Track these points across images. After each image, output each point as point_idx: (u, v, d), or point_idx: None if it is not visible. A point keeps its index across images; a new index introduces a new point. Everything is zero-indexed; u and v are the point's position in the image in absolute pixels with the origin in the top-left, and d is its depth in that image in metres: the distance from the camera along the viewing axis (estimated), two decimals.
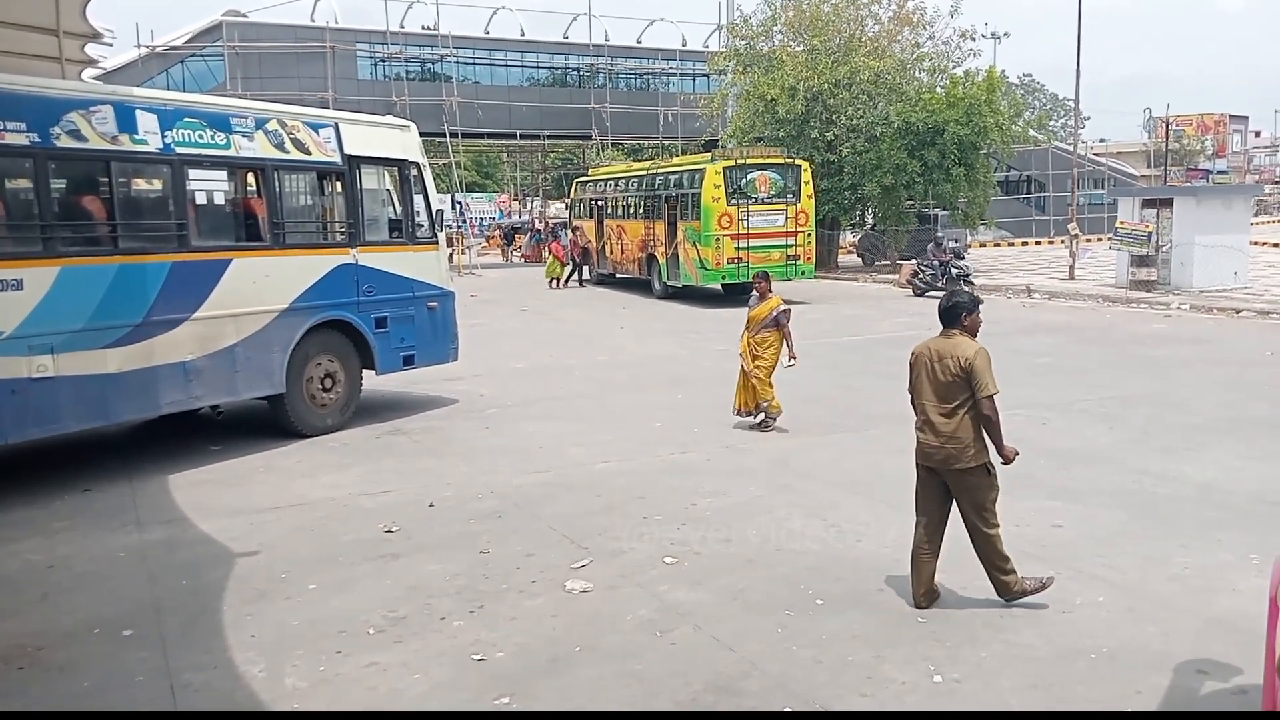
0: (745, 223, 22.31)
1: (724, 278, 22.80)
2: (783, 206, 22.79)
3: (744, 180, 22.57)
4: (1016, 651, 4.95)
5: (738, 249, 22.28)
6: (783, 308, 10.04)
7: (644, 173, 26.82)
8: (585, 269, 29.56)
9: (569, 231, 32.09)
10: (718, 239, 22.19)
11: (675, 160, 27.46)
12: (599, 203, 29.26)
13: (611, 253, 28.08)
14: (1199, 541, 6.52)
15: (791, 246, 22.82)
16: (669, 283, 24.39)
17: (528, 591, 5.86)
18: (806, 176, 23.44)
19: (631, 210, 27.01)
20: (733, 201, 22.31)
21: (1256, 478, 7.92)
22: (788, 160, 23.76)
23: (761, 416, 10.01)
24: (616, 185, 28.46)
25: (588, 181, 31.23)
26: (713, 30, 43.20)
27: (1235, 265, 22.23)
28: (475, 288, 26.52)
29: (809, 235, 23.43)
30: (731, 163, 22.74)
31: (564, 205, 43.67)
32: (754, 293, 10.39)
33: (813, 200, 23.86)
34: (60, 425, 8.11)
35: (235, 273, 9.21)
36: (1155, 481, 7.93)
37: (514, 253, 43.02)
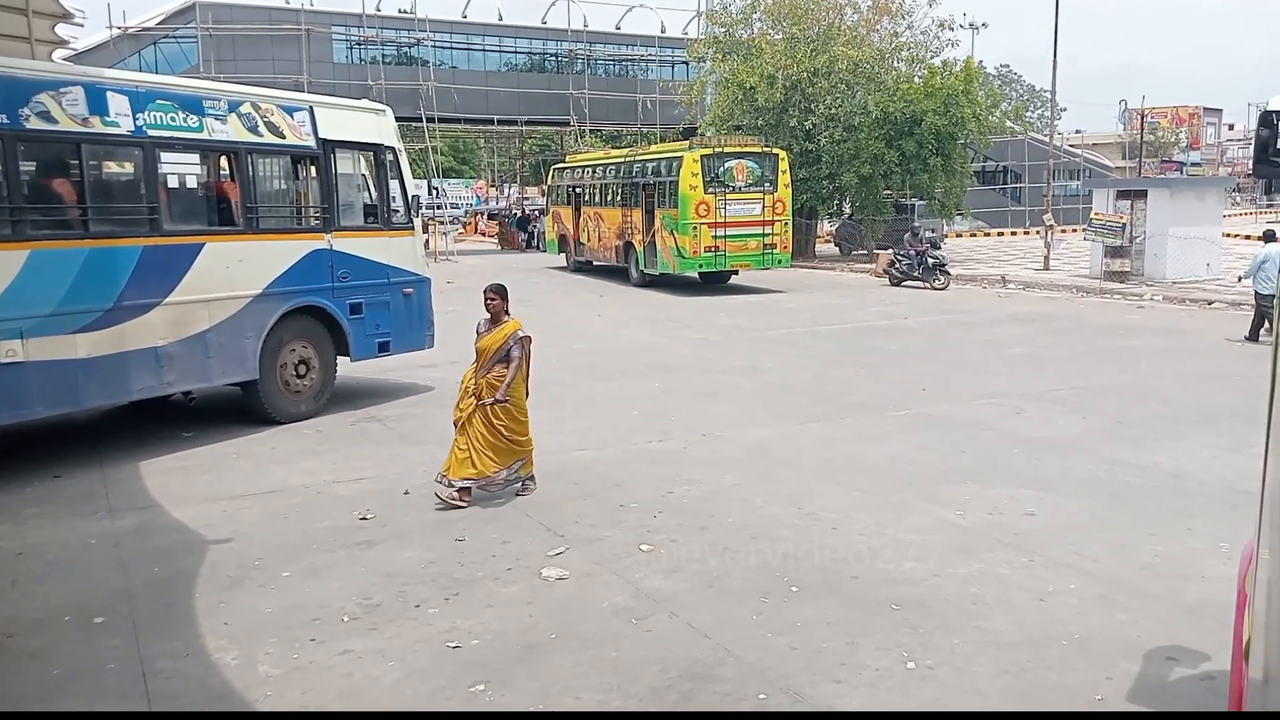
0: (722, 211, 22.42)
1: (701, 266, 22.90)
2: (760, 195, 22.94)
3: (721, 169, 22.66)
4: (989, 638, 4.99)
5: (715, 237, 22.39)
6: (520, 334, 7.42)
7: (621, 160, 26.78)
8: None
9: (547, 217, 32.04)
10: (695, 227, 22.26)
11: (653, 148, 27.50)
12: (576, 190, 29.12)
13: (589, 240, 27.96)
14: (1169, 530, 6.59)
15: (768, 235, 22.99)
16: (646, 271, 24.42)
17: (503, 579, 5.85)
18: (784, 165, 23.55)
19: (609, 198, 26.95)
20: (710, 190, 22.40)
21: (1227, 467, 8.01)
22: (765, 149, 23.81)
23: (516, 481, 7.46)
24: (594, 173, 28.32)
25: (565, 168, 31.05)
26: (692, 17, 43.21)
27: (1208, 257, 22.45)
28: (452, 275, 26.39)
29: (786, 224, 23.53)
30: (709, 151, 22.78)
31: (541, 192, 43.51)
32: (485, 315, 7.58)
33: (790, 189, 23.97)
34: (30, 411, 8.00)
35: (208, 257, 9.11)
36: (1127, 470, 8.01)
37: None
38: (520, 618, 5.30)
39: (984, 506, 7.10)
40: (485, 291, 7.54)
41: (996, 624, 5.16)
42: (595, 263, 28.12)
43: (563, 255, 30.44)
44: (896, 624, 5.16)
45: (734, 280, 24.82)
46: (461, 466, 7.18)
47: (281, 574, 5.98)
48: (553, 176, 32.30)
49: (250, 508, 7.30)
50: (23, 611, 5.48)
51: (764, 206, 22.94)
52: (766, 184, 23.08)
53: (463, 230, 47.64)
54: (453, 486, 7.18)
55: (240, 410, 10.02)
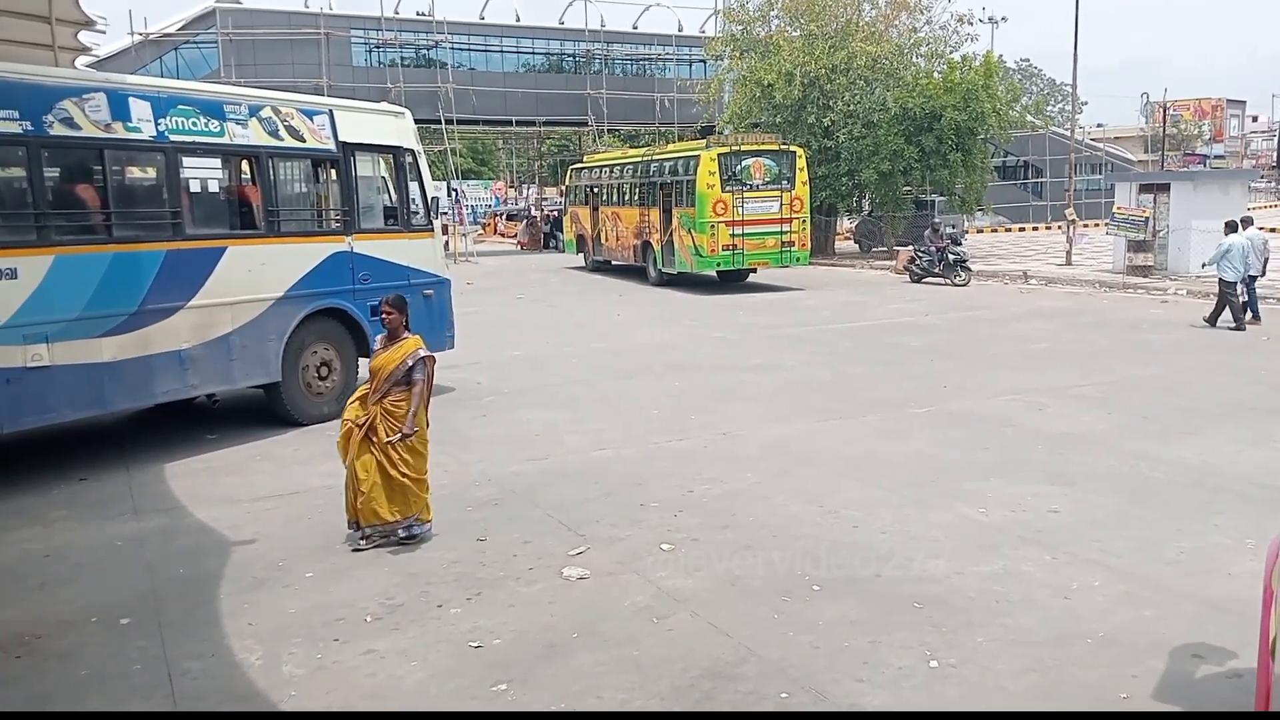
0: (740, 209, 22.36)
1: (719, 265, 22.88)
2: (777, 193, 22.87)
3: (738, 167, 22.62)
4: (1014, 636, 4.96)
5: (733, 236, 22.37)
6: (422, 353, 6.54)
7: (639, 160, 26.77)
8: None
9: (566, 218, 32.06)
10: (713, 226, 22.25)
11: (670, 147, 27.60)
12: (594, 190, 29.11)
13: (606, 240, 27.98)
14: (1195, 525, 6.53)
15: (786, 233, 22.95)
16: (664, 270, 24.41)
17: (525, 579, 5.86)
18: (801, 163, 23.47)
19: (626, 197, 26.92)
20: (727, 188, 22.37)
21: (1252, 462, 7.93)
22: (782, 147, 23.71)
23: (404, 531, 6.43)
24: (611, 172, 28.26)
25: (583, 169, 31.00)
26: (709, 15, 43.18)
27: None
28: (471, 276, 26.50)
29: (804, 222, 23.45)
30: (726, 149, 22.74)
31: (559, 192, 43.56)
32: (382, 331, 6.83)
33: (807, 186, 23.88)
34: (56, 414, 8.08)
35: (230, 261, 9.18)
36: (1151, 465, 7.94)
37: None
38: (542, 617, 5.31)
39: (1007, 503, 7.06)
40: (381, 303, 6.75)
41: (1020, 621, 5.13)
42: (613, 262, 28.12)
43: (581, 255, 30.46)
44: (919, 622, 5.14)
45: (753, 278, 24.81)
46: (368, 513, 6.31)
47: (305, 575, 6.01)
48: (570, 177, 32.23)
49: (274, 509, 7.35)
50: (50, 613, 5.54)
51: (782, 204, 22.85)
52: (784, 181, 22.96)
53: (482, 231, 47.80)
54: (361, 532, 6.39)
55: (263, 412, 10.09)
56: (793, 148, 23.99)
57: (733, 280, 24.32)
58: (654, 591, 5.62)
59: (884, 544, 6.28)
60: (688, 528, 6.66)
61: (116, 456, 8.93)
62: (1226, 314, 15.44)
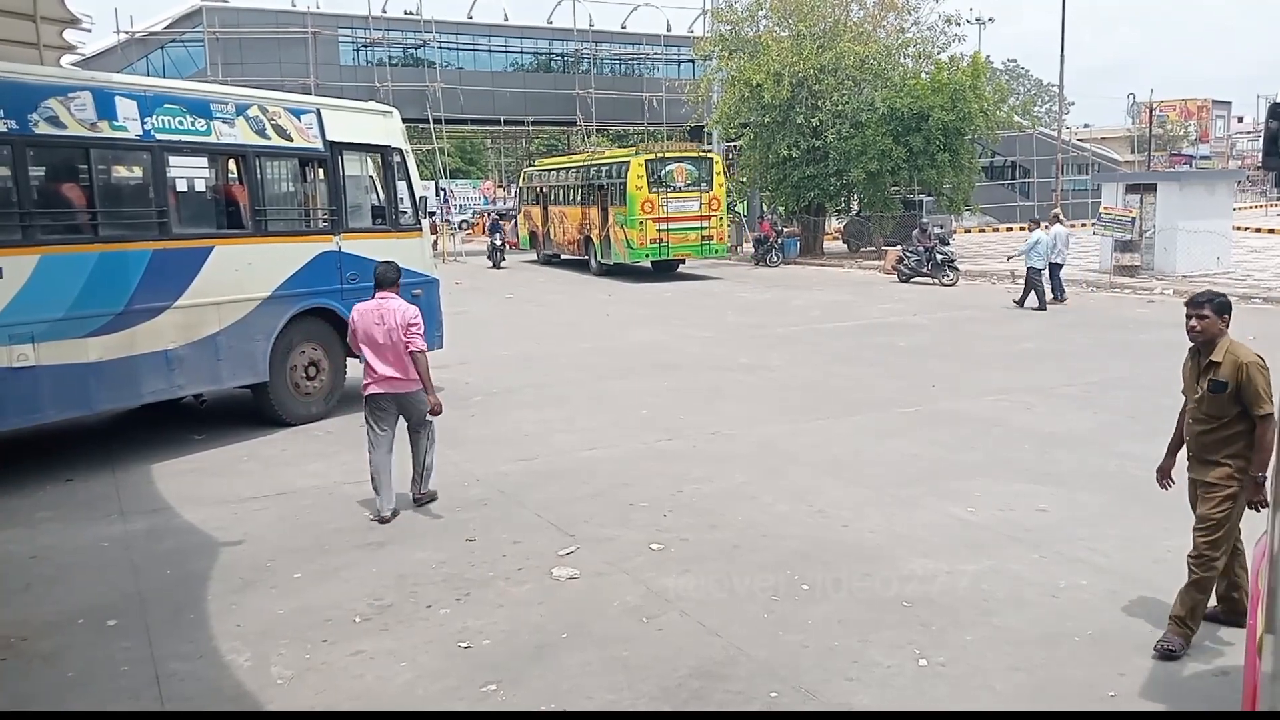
0: (665, 208, 25.53)
1: (648, 256, 26.08)
2: (697, 194, 26.00)
3: (663, 171, 25.79)
4: (1002, 635, 4.97)
5: (659, 231, 25.54)
6: None
7: (580, 164, 29.97)
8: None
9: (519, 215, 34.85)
10: (641, 222, 25.40)
11: (607, 153, 31.26)
12: (543, 191, 32.21)
13: (555, 235, 31.14)
14: (1182, 524, 6.50)
15: (705, 229, 26.13)
16: (603, 261, 27.40)
17: (514, 579, 5.85)
18: (719, 168, 26.77)
19: (571, 198, 29.98)
20: (653, 190, 25.47)
21: None
22: (702, 153, 27.26)
23: None
24: (558, 175, 31.59)
25: (535, 172, 34.52)
26: (697, 15, 43.11)
27: (1218, 250, 22.34)
28: (460, 275, 26.50)
29: (721, 218, 26.80)
30: (652, 156, 26.04)
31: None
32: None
33: (724, 188, 27.13)
34: (41, 415, 8.04)
35: (217, 260, 9.13)
36: (1138, 465, 7.94)
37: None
38: (531, 617, 5.30)
39: (995, 502, 7.08)
40: None
41: (1008, 620, 5.15)
42: (561, 255, 31.09)
43: (534, 250, 33.43)
44: (908, 621, 5.15)
45: (741, 277, 25.52)
46: None
47: (293, 575, 5.99)
48: (523, 179, 35.72)
49: (261, 510, 7.32)
50: (36, 615, 5.50)
51: (701, 204, 25.98)
52: (703, 184, 26.06)
53: (471, 230, 47.74)
54: None
55: (251, 413, 10.04)
56: (712, 154, 27.49)
57: (664, 270, 27.15)
58: (643, 591, 5.62)
59: (873, 543, 6.30)
60: (677, 527, 6.66)
61: (103, 457, 8.88)
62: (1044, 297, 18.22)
